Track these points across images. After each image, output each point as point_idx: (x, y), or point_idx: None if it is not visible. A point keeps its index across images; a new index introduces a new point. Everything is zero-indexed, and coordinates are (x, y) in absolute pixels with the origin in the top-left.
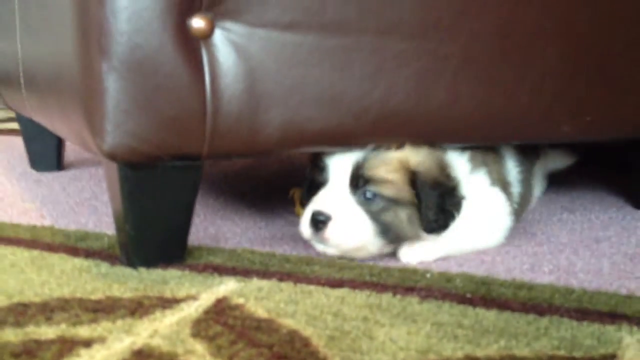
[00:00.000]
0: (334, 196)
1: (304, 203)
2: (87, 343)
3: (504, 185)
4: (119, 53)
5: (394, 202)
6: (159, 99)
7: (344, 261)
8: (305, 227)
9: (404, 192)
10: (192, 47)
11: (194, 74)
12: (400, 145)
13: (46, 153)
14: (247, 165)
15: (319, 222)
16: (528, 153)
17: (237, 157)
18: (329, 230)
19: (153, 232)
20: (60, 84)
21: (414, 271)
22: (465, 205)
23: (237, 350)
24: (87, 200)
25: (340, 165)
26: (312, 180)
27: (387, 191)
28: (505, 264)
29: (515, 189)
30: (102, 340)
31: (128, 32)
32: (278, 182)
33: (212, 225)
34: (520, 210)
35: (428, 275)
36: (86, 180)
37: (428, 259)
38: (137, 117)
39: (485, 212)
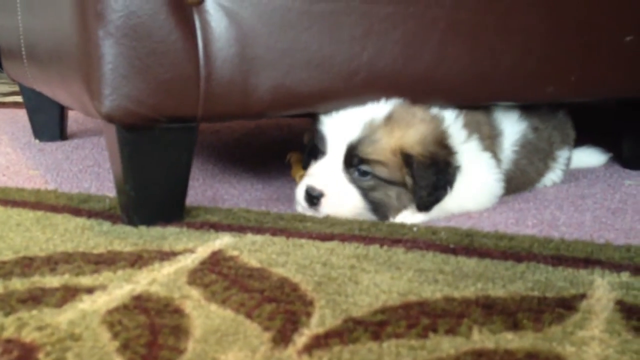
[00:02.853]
0: (328, 172)
1: (304, 166)
2: (90, 290)
3: (495, 160)
4: (115, 19)
5: (386, 181)
6: (154, 63)
7: (336, 218)
8: (300, 199)
9: (397, 174)
10: (184, 13)
11: (187, 39)
12: (392, 122)
13: (49, 123)
14: (247, 132)
15: (313, 197)
16: (545, 134)
17: (231, 119)
18: (322, 206)
19: (152, 192)
20: (59, 52)
21: (401, 225)
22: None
23: (230, 295)
24: (90, 167)
25: (337, 142)
26: (312, 146)
27: (380, 172)
28: (491, 219)
29: (505, 166)
30: (103, 287)
31: None
32: (276, 148)
33: (210, 188)
34: (511, 188)
35: (415, 229)
36: (89, 149)
37: (417, 221)
38: (133, 81)
39: (473, 177)
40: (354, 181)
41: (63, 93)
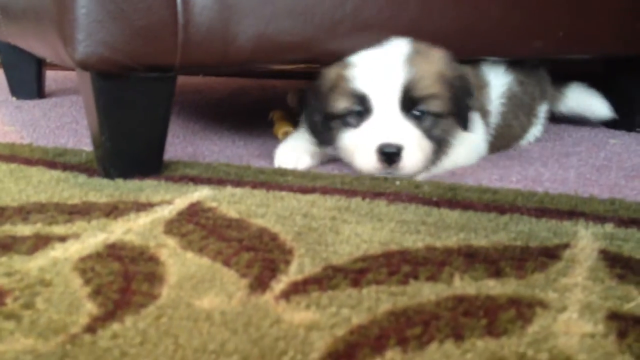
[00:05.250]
0: (393, 124)
1: (325, 142)
2: (62, 239)
3: (483, 113)
4: None
5: (439, 116)
6: (129, 9)
7: (317, 172)
8: (371, 162)
9: (446, 105)
10: None
11: None
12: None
13: (26, 81)
14: (230, 92)
15: (393, 154)
16: (529, 89)
17: (211, 68)
18: (405, 160)
19: (129, 144)
20: (33, 1)
21: (384, 179)
22: None
23: (207, 244)
24: (68, 124)
25: (385, 92)
26: (326, 112)
27: (435, 107)
28: (475, 175)
29: (493, 119)
30: (76, 236)
31: None
32: (259, 107)
33: (190, 145)
34: (497, 144)
35: (397, 183)
36: (67, 107)
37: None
38: (108, 26)
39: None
40: (418, 126)
41: (38, 43)
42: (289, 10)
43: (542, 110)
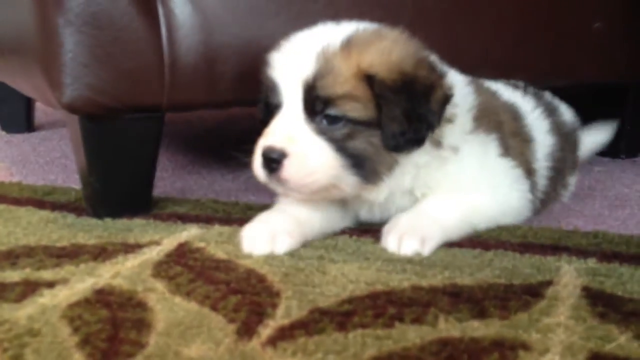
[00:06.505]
0: (287, 126)
1: (261, 126)
2: (51, 284)
3: (528, 171)
4: (75, 7)
5: (363, 124)
6: (116, 52)
7: None
8: (258, 168)
9: (370, 109)
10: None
11: (150, 27)
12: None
13: (16, 115)
14: (218, 123)
15: (272, 160)
16: (568, 155)
17: (197, 108)
18: (286, 170)
19: (117, 184)
20: (20, 43)
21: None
22: (463, 171)
23: (195, 287)
24: (57, 159)
25: (290, 85)
26: (266, 104)
27: (353, 112)
28: None
29: (541, 180)
30: (65, 281)
31: None
32: (248, 138)
33: (179, 180)
34: (543, 205)
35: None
36: (56, 140)
37: (424, 251)
38: (94, 70)
39: (489, 184)
40: (322, 132)
41: (25, 84)
42: None
43: (572, 182)
